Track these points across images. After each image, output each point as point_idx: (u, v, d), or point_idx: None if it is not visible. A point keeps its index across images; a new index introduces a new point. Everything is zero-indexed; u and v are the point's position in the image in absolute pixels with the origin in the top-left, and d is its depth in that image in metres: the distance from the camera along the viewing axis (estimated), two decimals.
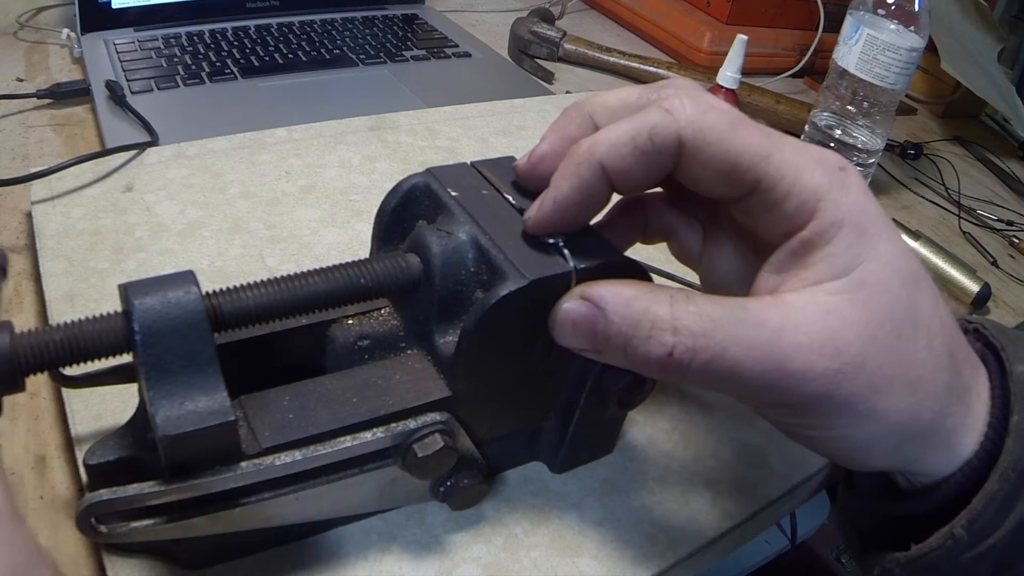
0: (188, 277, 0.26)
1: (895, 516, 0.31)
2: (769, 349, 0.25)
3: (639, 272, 0.30)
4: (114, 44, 0.68)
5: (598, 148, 0.27)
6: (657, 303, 0.26)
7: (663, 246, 0.35)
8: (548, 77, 0.78)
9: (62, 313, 0.39)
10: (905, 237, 0.59)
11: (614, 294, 0.27)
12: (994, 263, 0.64)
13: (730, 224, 0.32)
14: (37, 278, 0.42)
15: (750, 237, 0.30)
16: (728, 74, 0.67)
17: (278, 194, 0.51)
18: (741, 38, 0.65)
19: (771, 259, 0.28)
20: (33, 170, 0.48)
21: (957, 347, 0.28)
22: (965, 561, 0.28)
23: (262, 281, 0.29)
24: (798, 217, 0.26)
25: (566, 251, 0.29)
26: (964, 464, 0.28)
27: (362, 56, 0.73)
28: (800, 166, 0.26)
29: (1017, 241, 0.68)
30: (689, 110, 0.26)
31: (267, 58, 0.70)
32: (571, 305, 0.27)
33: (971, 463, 0.28)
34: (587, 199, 0.28)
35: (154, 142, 0.54)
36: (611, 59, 0.82)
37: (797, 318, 0.25)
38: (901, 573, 0.30)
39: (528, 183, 0.31)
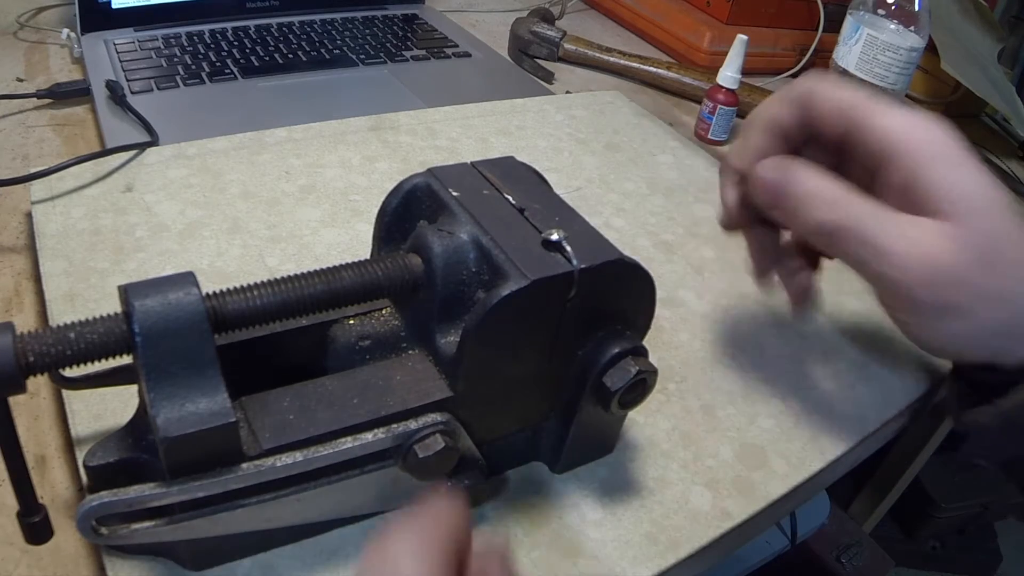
0: (188, 278, 0.26)
1: (992, 383, 0.37)
2: (894, 250, 0.32)
3: (640, 272, 0.30)
4: (114, 44, 0.68)
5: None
6: (829, 188, 0.34)
7: (664, 239, 0.35)
8: (548, 77, 0.78)
9: (62, 313, 0.39)
10: None
11: (806, 175, 0.34)
12: None
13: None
14: (37, 278, 0.42)
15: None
16: (728, 74, 0.67)
17: (278, 194, 0.51)
18: (741, 38, 0.65)
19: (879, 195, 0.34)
20: (33, 170, 0.48)
21: None
22: None
23: (262, 282, 0.28)
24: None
25: (568, 250, 0.29)
26: None
27: (362, 56, 0.73)
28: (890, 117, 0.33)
29: None
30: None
31: (267, 58, 0.70)
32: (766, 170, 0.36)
33: None
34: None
35: (154, 142, 0.54)
36: (611, 59, 0.82)
37: (914, 232, 0.32)
38: (989, 422, 0.36)
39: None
